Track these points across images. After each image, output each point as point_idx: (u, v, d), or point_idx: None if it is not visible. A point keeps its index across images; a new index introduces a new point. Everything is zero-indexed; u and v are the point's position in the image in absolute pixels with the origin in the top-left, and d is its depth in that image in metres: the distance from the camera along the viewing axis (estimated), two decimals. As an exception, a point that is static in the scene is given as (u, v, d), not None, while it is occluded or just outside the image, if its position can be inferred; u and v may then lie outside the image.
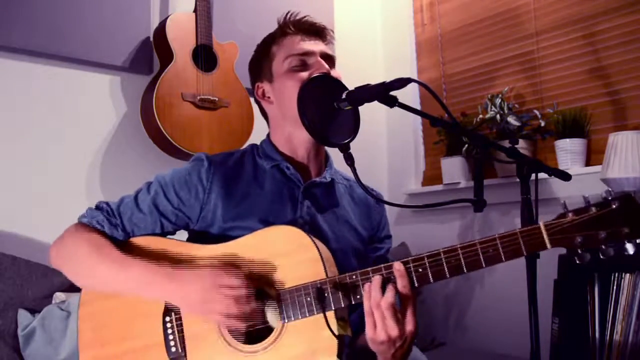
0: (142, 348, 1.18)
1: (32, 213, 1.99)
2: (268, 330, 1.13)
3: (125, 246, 1.24)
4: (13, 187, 1.97)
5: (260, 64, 1.36)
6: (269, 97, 1.35)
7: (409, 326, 1.05)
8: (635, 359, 1.76)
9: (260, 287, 1.15)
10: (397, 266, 1.06)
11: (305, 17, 1.35)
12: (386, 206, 1.41)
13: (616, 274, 1.85)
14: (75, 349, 1.26)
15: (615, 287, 1.85)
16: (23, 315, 1.74)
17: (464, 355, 2.44)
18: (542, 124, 2.42)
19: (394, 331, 1.03)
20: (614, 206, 0.96)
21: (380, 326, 1.04)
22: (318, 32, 1.34)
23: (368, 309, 1.05)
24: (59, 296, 1.81)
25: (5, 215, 1.94)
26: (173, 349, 1.16)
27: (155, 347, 1.17)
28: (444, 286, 2.79)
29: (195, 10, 2.22)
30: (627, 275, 1.83)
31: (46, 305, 1.78)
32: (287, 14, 1.36)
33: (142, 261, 1.18)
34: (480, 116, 2.55)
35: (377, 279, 1.06)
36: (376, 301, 1.04)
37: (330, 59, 1.33)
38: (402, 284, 1.05)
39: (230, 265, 1.16)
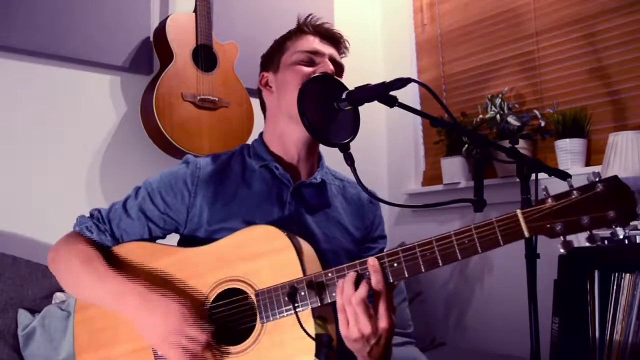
0: (131, 352, 1.20)
1: (32, 213, 1.99)
2: (249, 330, 1.13)
3: (112, 255, 1.26)
4: (13, 187, 1.98)
5: (272, 55, 1.39)
6: (270, 87, 1.37)
7: (382, 323, 1.02)
8: (635, 359, 1.76)
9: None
10: (371, 262, 1.05)
11: (325, 23, 1.37)
12: (386, 206, 1.40)
13: (616, 274, 1.85)
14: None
15: (615, 287, 1.85)
16: (23, 315, 1.74)
17: (464, 355, 2.44)
18: (542, 124, 2.42)
19: (366, 328, 1.01)
20: (598, 189, 0.90)
21: (352, 323, 1.02)
22: (334, 39, 1.36)
23: (340, 306, 1.03)
24: (59, 296, 1.81)
25: (5, 215, 1.94)
26: (159, 352, 1.17)
27: (143, 350, 1.18)
28: (444, 286, 2.79)
29: (195, 10, 2.22)
30: (627, 275, 1.83)
31: (46, 305, 1.78)
32: (308, 15, 1.37)
33: (120, 276, 1.18)
34: (480, 116, 2.55)
35: (350, 275, 1.04)
36: (348, 297, 1.02)
37: (338, 66, 1.35)
38: (375, 279, 1.03)
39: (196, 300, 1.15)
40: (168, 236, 1.34)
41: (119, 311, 1.17)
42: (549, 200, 0.94)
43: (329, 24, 1.37)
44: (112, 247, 1.28)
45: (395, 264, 1.04)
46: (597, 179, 0.92)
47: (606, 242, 1.82)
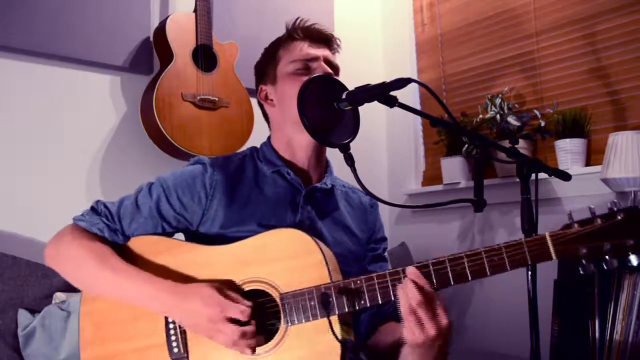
0: (144, 348, 1.18)
1: (32, 213, 1.99)
2: (272, 332, 1.13)
3: (125, 250, 1.25)
4: (13, 187, 1.98)
5: (266, 66, 1.38)
6: (271, 100, 1.37)
7: (443, 321, 1.02)
8: (635, 359, 1.76)
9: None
10: (411, 270, 1.04)
11: (314, 24, 1.36)
12: (386, 206, 1.41)
13: (616, 274, 1.85)
14: (76, 348, 1.26)
15: (615, 287, 1.85)
16: (23, 315, 1.74)
17: (464, 355, 2.44)
18: (542, 124, 2.42)
19: (432, 330, 1.01)
20: (619, 217, 0.96)
21: (419, 327, 1.01)
22: (325, 40, 1.36)
23: (407, 311, 1.01)
24: (59, 296, 1.81)
25: (5, 215, 1.94)
26: (175, 350, 1.16)
27: (157, 347, 1.17)
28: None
29: (195, 10, 2.22)
30: (627, 275, 1.83)
31: (46, 305, 1.78)
32: (296, 19, 1.37)
33: (144, 273, 1.17)
34: (480, 116, 2.55)
35: (409, 281, 1.03)
36: (417, 300, 1.00)
37: (334, 67, 1.35)
38: (422, 283, 1.03)
39: (230, 284, 1.15)
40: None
41: (152, 308, 1.16)
42: (575, 225, 0.99)
43: (318, 25, 1.37)
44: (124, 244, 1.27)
45: (432, 274, 1.04)
46: (616, 208, 0.97)
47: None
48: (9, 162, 1.98)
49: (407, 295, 1.02)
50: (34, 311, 1.77)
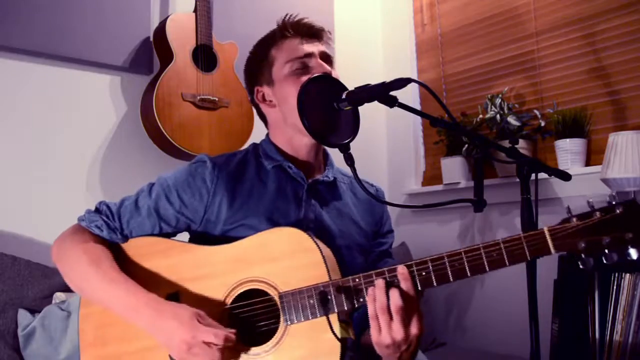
0: (144, 349, 1.18)
1: (32, 213, 1.99)
2: (271, 331, 1.13)
3: (124, 252, 1.25)
4: (13, 187, 1.98)
5: (259, 67, 1.36)
6: (270, 101, 1.35)
7: (414, 329, 1.05)
8: (635, 359, 1.76)
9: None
10: (401, 270, 1.06)
11: (303, 19, 1.35)
12: (386, 206, 1.41)
13: (616, 274, 1.85)
14: (76, 348, 1.26)
15: (615, 287, 1.85)
16: (23, 315, 1.74)
17: (464, 355, 2.44)
18: (542, 124, 2.42)
19: (399, 335, 1.03)
20: (618, 211, 0.97)
21: (385, 330, 1.04)
22: (317, 34, 1.34)
23: (373, 313, 1.05)
24: (59, 296, 1.81)
25: (5, 215, 1.94)
26: None
27: (157, 348, 1.16)
28: (444, 286, 2.78)
29: (195, 10, 2.22)
30: (627, 275, 1.83)
31: (46, 305, 1.78)
32: (285, 16, 1.35)
33: (131, 283, 1.17)
34: (480, 116, 2.55)
35: (380, 283, 1.05)
36: (382, 305, 1.04)
37: (329, 59, 1.34)
38: (406, 287, 1.05)
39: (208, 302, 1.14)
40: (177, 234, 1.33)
41: (131, 320, 1.15)
42: (574, 219, 1.00)
43: (307, 19, 1.35)
44: (123, 243, 1.27)
45: (424, 273, 1.06)
46: (615, 202, 0.97)
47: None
48: (9, 162, 1.98)
49: (373, 301, 1.05)
50: (34, 311, 1.77)
